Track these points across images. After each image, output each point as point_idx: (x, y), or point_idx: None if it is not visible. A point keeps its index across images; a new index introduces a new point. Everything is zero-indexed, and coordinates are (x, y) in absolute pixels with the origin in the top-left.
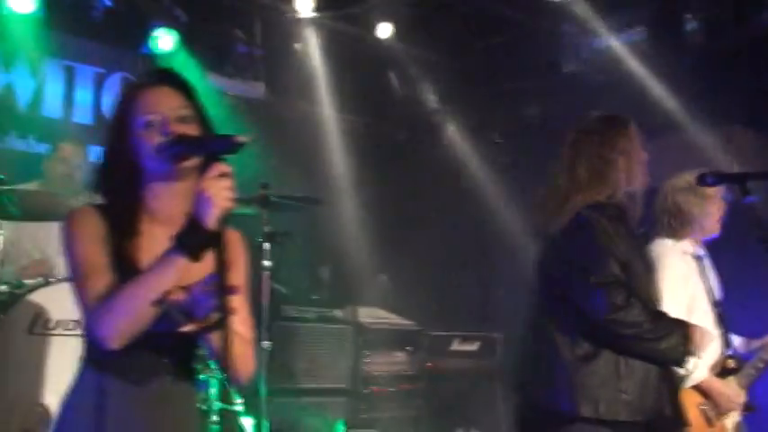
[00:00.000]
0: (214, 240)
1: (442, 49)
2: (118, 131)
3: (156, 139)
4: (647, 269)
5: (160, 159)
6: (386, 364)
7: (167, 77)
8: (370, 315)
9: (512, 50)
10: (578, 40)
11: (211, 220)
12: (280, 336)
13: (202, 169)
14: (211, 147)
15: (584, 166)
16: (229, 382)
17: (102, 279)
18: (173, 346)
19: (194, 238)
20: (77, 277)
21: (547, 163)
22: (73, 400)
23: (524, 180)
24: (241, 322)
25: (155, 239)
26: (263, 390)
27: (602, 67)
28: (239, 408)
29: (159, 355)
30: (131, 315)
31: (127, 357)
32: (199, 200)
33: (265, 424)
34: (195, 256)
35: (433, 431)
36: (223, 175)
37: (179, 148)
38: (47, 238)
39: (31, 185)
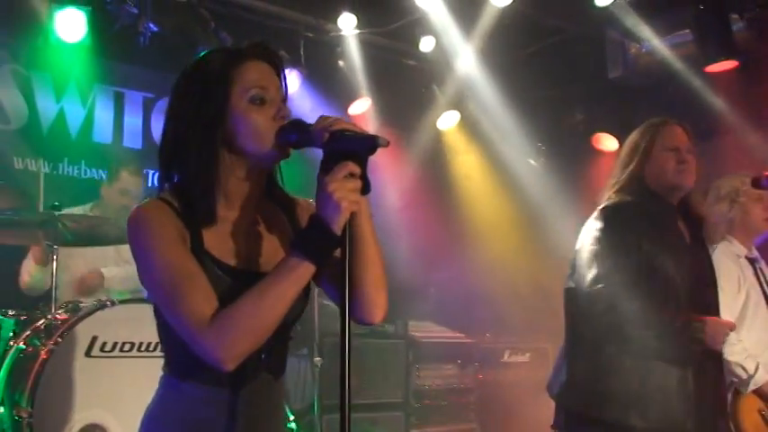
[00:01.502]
0: (340, 244)
1: (485, 57)
2: (205, 103)
3: (266, 117)
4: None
5: (263, 141)
6: (437, 377)
7: (266, 53)
8: (420, 329)
9: (556, 56)
10: (623, 45)
11: (338, 224)
12: (331, 352)
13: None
14: (348, 144)
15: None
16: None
17: (199, 292)
18: (271, 341)
19: (320, 244)
20: (167, 292)
21: (592, 168)
22: (159, 413)
23: (571, 186)
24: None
25: (233, 226)
26: (315, 406)
27: (648, 71)
28: (292, 424)
29: (258, 353)
30: (254, 334)
31: None
32: (324, 202)
33: None
34: (320, 262)
35: None
36: (351, 176)
37: (302, 136)
38: (103, 259)
39: (84, 208)
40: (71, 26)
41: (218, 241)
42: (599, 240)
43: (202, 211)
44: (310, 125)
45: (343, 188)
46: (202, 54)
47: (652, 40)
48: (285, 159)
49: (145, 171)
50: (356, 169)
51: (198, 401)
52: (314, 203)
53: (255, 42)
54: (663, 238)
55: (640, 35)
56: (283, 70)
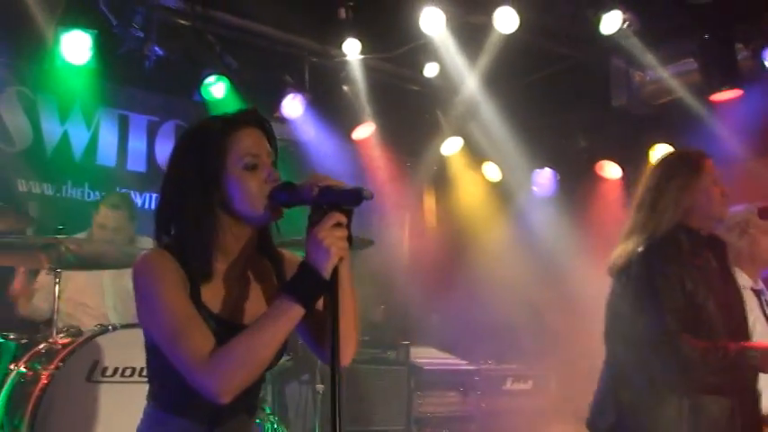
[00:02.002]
0: (327, 289)
1: (489, 83)
2: (203, 170)
3: (258, 181)
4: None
5: (256, 204)
6: (439, 404)
7: (257, 120)
8: (422, 355)
9: (560, 84)
10: (628, 73)
11: (327, 270)
12: None
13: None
14: (335, 196)
15: (643, 201)
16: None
17: (199, 332)
18: (250, 384)
19: (310, 289)
20: (170, 332)
21: (595, 195)
22: None
23: (574, 213)
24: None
25: (228, 280)
26: None
27: (653, 99)
28: None
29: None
30: (248, 369)
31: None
32: (314, 249)
33: None
34: (310, 306)
35: None
36: (338, 225)
37: (292, 194)
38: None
39: (81, 235)
40: (77, 49)
41: (214, 295)
42: (645, 285)
43: (200, 269)
44: (299, 184)
45: (331, 236)
46: (199, 122)
47: (656, 69)
48: (279, 219)
49: (148, 193)
50: (343, 219)
51: None
52: (298, 258)
53: (247, 110)
54: (701, 275)
55: (645, 63)
56: (273, 133)
